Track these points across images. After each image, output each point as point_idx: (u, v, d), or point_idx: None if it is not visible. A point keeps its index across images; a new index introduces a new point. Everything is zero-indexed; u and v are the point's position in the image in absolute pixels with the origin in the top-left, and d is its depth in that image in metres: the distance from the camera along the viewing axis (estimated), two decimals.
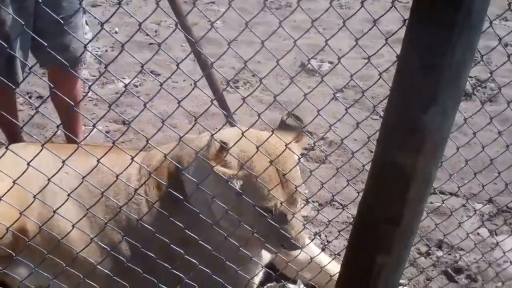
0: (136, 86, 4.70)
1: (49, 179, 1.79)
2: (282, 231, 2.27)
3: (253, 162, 2.23)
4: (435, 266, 3.16)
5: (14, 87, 3.12)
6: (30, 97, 4.44)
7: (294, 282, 2.89)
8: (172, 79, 4.66)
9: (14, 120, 2.98)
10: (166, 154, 2.00)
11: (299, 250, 2.39)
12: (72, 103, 1.80)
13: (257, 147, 2.02)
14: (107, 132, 4.04)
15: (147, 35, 5.53)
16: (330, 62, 5.37)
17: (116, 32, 5.49)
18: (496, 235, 3.46)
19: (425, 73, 1.80)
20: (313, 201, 3.64)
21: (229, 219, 2.25)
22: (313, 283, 2.61)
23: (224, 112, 3.78)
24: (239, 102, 4.46)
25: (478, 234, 3.47)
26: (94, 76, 4.77)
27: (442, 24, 1.70)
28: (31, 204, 1.93)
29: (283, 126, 2.50)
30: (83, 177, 1.82)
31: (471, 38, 1.71)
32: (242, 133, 1.96)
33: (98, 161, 1.78)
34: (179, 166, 2.30)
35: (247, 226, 2.22)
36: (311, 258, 2.47)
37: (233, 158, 2.26)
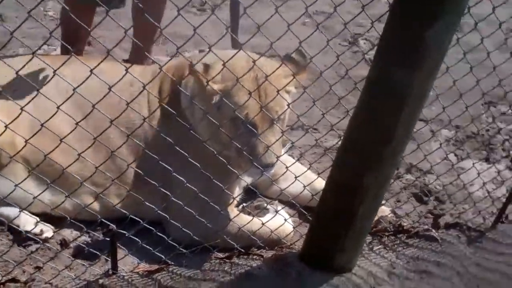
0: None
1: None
2: (251, 147, 2.33)
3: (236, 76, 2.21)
4: (405, 189, 3.23)
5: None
6: None
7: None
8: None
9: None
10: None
11: (273, 171, 2.44)
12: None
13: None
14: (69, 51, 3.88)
15: None
16: None
17: None
18: (462, 159, 3.56)
19: None
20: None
21: (213, 136, 2.32)
22: (294, 202, 2.63)
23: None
24: (209, 24, 4.35)
25: (446, 159, 3.56)
26: None
27: None
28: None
29: (287, 58, 2.51)
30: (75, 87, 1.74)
31: None
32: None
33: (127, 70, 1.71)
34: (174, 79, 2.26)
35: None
36: (296, 177, 2.49)
37: (218, 75, 2.28)
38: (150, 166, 2.36)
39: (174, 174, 2.13)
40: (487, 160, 3.63)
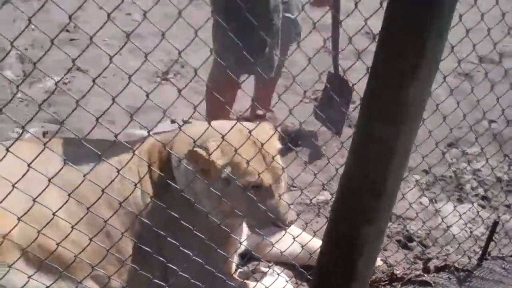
0: (66, 84, 4.54)
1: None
2: (272, 208, 2.41)
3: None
4: (389, 237, 3.34)
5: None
6: None
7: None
8: (102, 75, 4.54)
9: None
10: (165, 144, 2.00)
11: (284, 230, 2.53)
12: None
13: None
14: (45, 133, 3.90)
15: (67, 31, 5.36)
16: None
17: (33, 29, 5.25)
18: (436, 202, 3.72)
19: (406, 53, 1.92)
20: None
21: (220, 207, 2.39)
22: (293, 262, 2.69)
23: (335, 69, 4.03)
24: (172, 93, 4.44)
25: (421, 203, 3.71)
26: (19, 76, 4.56)
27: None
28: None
29: (257, 117, 2.60)
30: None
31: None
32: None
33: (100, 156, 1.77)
34: (177, 155, 2.29)
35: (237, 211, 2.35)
36: (294, 238, 2.56)
37: (217, 152, 2.33)
38: (147, 243, 2.39)
39: (181, 248, 2.16)
40: (459, 200, 3.80)
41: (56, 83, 4.40)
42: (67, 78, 4.63)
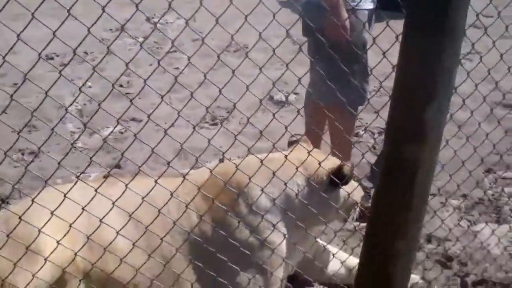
0: (122, 133, 4.95)
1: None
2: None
3: None
4: (428, 257, 3.50)
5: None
6: (22, 154, 4.61)
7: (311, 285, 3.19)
8: (155, 123, 4.92)
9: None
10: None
11: None
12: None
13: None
14: (105, 176, 4.26)
15: (121, 86, 5.82)
16: (295, 93, 5.79)
17: (90, 87, 5.73)
18: (475, 224, 3.88)
19: (422, 78, 2.18)
20: None
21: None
22: (334, 278, 2.90)
23: None
24: (221, 137, 4.76)
25: (460, 225, 3.87)
26: (79, 128, 5.00)
27: (431, 37, 2.09)
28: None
29: (291, 143, 2.90)
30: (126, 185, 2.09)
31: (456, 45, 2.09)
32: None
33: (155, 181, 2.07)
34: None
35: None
36: (333, 255, 2.79)
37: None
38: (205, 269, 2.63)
39: (241, 272, 2.42)
40: (497, 221, 3.94)
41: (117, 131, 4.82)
42: (123, 128, 5.04)
